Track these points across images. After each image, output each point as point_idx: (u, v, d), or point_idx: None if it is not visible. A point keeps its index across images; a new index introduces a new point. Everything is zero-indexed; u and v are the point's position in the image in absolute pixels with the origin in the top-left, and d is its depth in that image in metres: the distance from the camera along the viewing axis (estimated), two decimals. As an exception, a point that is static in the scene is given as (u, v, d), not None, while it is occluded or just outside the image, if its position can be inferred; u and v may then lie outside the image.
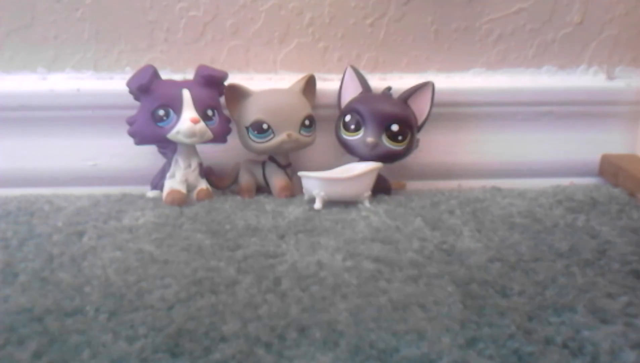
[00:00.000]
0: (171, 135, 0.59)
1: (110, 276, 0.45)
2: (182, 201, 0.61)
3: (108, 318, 0.39)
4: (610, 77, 0.71)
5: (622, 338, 0.36)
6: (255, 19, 0.67)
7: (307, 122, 0.63)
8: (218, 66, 0.65)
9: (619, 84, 0.71)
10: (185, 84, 0.61)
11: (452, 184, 0.71)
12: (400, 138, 0.62)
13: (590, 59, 0.71)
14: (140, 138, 0.61)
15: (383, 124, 0.62)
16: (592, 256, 0.49)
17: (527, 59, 0.71)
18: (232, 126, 0.64)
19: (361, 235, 0.53)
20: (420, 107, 0.64)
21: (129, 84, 0.60)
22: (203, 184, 0.64)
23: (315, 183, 0.60)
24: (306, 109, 0.63)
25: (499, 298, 0.41)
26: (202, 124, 0.59)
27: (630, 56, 0.71)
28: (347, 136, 0.64)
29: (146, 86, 0.58)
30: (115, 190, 0.66)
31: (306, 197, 0.63)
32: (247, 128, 0.62)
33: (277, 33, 0.68)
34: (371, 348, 0.35)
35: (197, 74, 0.62)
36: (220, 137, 0.62)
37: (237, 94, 0.63)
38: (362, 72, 0.67)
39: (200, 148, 0.64)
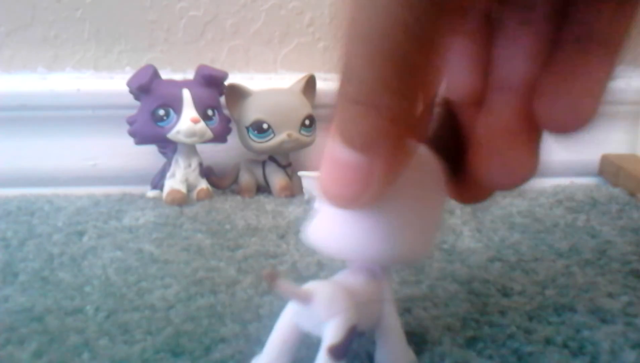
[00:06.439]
0: (171, 135, 0.59)
1: (110, 276, 0.45)
2: (182, 200, 0.61)
3: (108, 317, 0.39)
4: (610, 77, 0.71)
5: (622, 338, 0.36)
6: (255, 18, 0.67)
7: (307, 122, 0.63)
8: (218, 65, 0.65)
9: (619, 84, 0.71)
10: (185, 83, 0.61)
11: (452, 184, 0.71)
12: (400, 137, 0.62)
13: (590, 59, 0.71)
14: (140, 138, 0.61)
15: (383, 124, 0.62)
16: (592, 255, 0.49)
17: (527, 59, 0.71)
18: (232, 126, 0.64)
19: (361, 234, 0.53)
20: (420, 107, 0.64)
21: (129, 83, 0.60)
22: (203, 184, 0.64)
23: (316, 183, 0.60)
24: (306, 109, 0.63)
25: (499, 298, 0.41)
26: (202, 124, 0.59)
27: (630, 55, 0.71)
28: (347, 136, 0.63)
29: (146, 85, 0.58)
30: (115, 190, 0.66)
31: (306, 197, 0.63)
32: (247, 128, 0.62)
33: (277, 33, 0.68)
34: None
35: (197, 74, 0.62)
36: (220, 137, 0.62)
37: (237, 94, 0.63)
38: (362, 72, 0.66)
39: (200, 147, 0.64)
